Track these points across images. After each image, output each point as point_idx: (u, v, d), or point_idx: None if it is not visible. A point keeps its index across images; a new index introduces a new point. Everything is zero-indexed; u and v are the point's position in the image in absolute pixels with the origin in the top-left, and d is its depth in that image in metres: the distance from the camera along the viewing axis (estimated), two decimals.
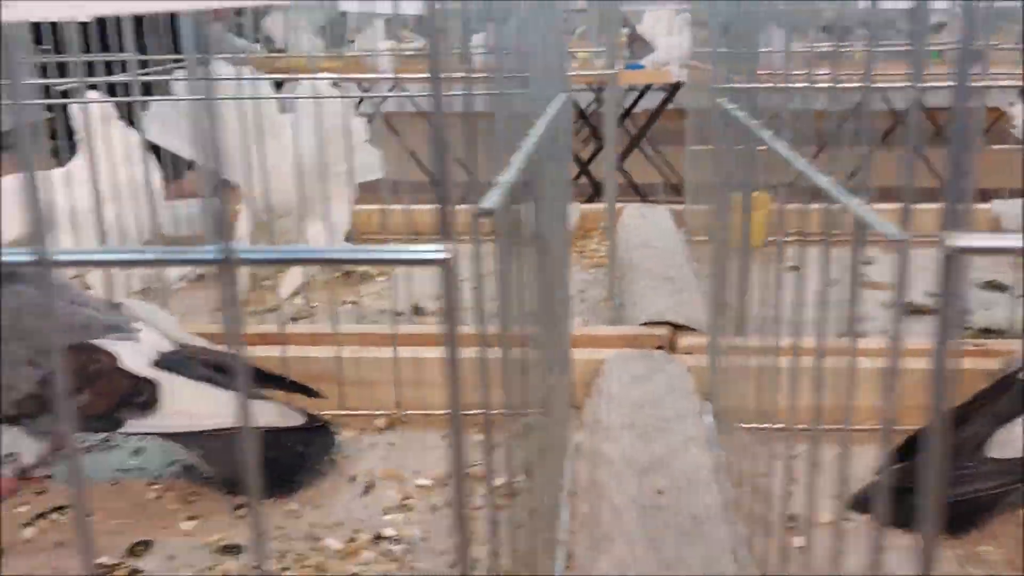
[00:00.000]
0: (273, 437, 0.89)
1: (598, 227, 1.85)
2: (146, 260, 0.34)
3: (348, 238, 1.61)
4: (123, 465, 0.95)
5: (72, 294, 0.93)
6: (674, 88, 3.25)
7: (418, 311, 1.40)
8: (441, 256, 0.31)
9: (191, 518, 0.84)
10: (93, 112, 1.42)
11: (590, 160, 3.49)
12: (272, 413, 0.89)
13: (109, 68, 1.46)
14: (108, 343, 0.87)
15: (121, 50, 1.39)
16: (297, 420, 0.90)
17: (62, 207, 1.41)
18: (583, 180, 3.45)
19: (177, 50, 1.61)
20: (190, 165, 1.59)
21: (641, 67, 2.94)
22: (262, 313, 1.41)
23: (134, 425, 0.86)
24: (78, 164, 1.59)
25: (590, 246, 1.77)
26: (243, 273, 1.50)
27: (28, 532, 0.82)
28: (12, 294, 0.88)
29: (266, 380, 0.94)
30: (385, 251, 0.33)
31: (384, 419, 1.02)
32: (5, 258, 0.33)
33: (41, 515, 0.85)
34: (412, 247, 0.33)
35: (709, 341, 0.98)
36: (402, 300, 1.40)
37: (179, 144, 1.51)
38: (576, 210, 1.80)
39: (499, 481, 0.86)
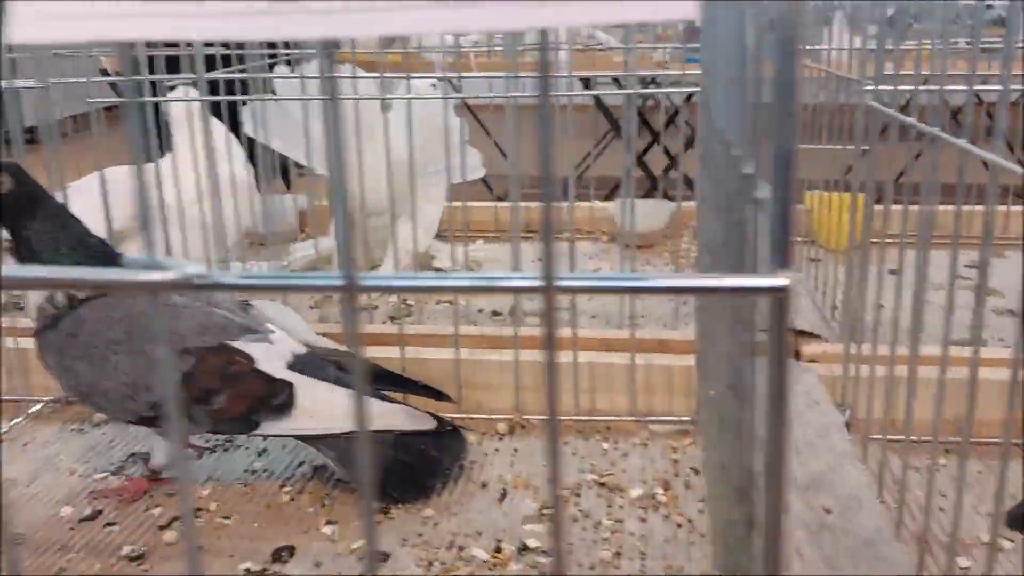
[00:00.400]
0: (405, 441, 0.87)
1: (688, 226, 1.82)
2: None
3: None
4: (250, 467, 0.94)
5: (205, 295, 0.93)
6: None
7: (515, 312, 1.38)
8: (781, 285, 0.29)
9: (330, 522, 0.83)
10: (187, 108, 1.42)
11: (644, 152, 3.46)
12: (403, 417, 0.88)
13: (210, 62, 1.46)
14: (245, 345, 0.86)
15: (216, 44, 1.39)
16: (428, 424, 0.88)
17: (158, 202, 1.41)
18: (640, 174, 3.41)
19: (271, 44, 1.60)
20: (284, 161, 1.59)
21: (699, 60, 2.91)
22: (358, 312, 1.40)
23: (269, 427, 0.86)
24: (171, 159, 1.60)
25: (682, 245, 1.74)
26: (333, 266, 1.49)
27: (168, 536, 0.82)
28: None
29: (394, 383, 0.93)
30: (707, 281, 0.31)
31: (504, 424, 1.01)
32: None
33: (177, 518, 0.84)
34: (741, 278, 0.30)
35: (843, 350, 0.95)
36: (499, 300, 1.39)
37: (279, 141, 1.50)
38: (668, 208, 1.77)
39: (636, 492, 0.84)
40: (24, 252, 0.86)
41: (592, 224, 1.85)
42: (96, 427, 1.04)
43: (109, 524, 0.84)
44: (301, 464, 0.94)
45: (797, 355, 1.06)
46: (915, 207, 0.74)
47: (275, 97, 1.40)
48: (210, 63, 1.44)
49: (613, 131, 3.43)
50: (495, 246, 1.76)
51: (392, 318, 1.37)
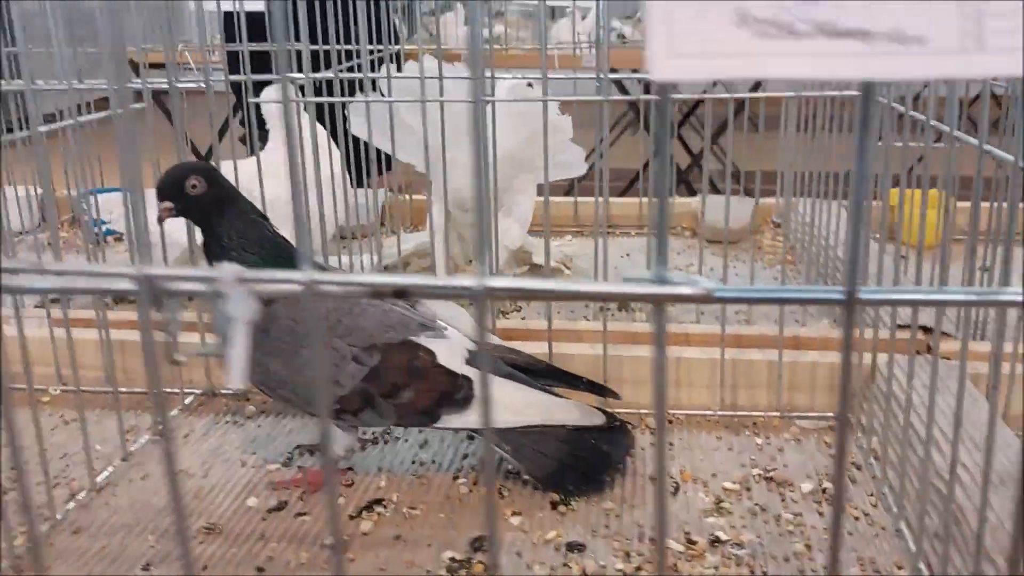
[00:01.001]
0: (578, 436, 0.90)
1: (768, 221, 1.85)
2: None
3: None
4: (416, 458, 0.96)
5: None
6: None
7: (624, 307, 1.40)
8: None
9: (516, 513, 0.86)
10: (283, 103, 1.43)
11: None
12: (576, 412, 0.90)
13: (316, 59, 1.47)
14: (426, 341, 0.88)
15: (324, 41, 1.40)
16: (598, 419, 0.91)
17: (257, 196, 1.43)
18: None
19: (379, 40, 1.62)
20: (388, 159, 1.60)
21: None
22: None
23: (449, 420, 0.88)
24: (269, 154, 1.62)
25: (764, 241, 1.77)
26: (440, 261, 1.51)
27: (365, 525, 0.84)
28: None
29: (558, 378, 0.95)
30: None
31: (653, 418, 1.03)
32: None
33: (367, 508, 0.87)
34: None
35: (993, 349, 0.97)
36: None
37: (380, 139, 1.52)
38: (750, 205, 1.79)
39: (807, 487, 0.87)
40: (215, 249, 0.88)
41: (674, 219, 1.87)
42: (249, 419, 1.06)
43: (300, 514, 0.87)
44: (466, 456, 0.97)
45: (928, 350, 1.09)
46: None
47: (365, 99, 1.41)
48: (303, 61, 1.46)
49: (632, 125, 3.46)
50: (580, 241, 1.79)
51: (501, 312, 1.39)
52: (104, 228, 1.79)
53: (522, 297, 0.35)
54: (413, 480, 0.92)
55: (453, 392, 0.87)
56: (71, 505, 0.88)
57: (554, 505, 0.87)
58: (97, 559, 0.80)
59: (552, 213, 1.82)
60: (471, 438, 1.00)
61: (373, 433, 1.01)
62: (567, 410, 0.90)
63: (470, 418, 0.88)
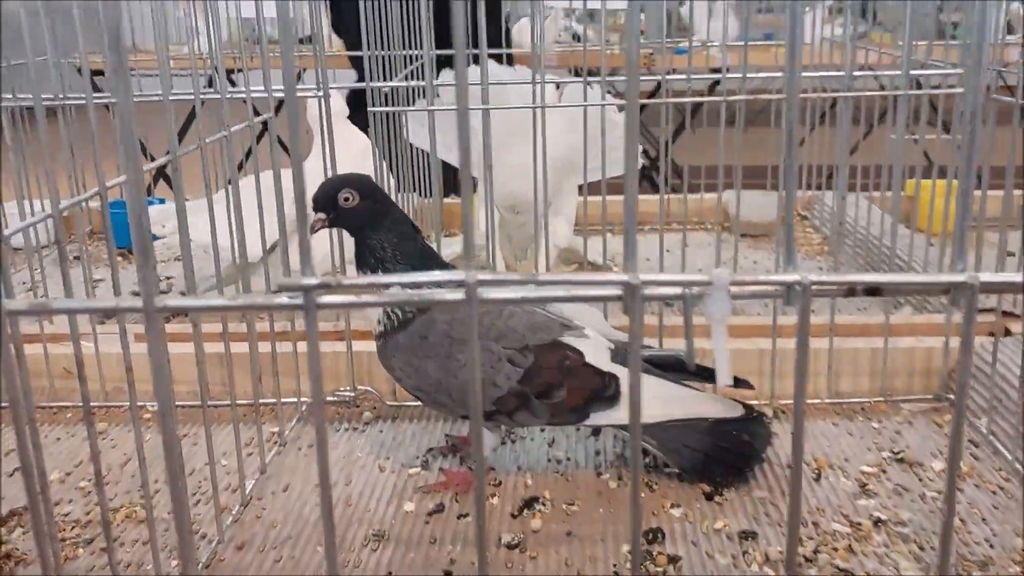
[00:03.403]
0: (719, 428, 0.93)
1: (798, 215, 1.90)
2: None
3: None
4: (551, 456, 0.98)
5: None
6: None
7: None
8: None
9: (675, 505, 0.88)
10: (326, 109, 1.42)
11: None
12: (717, 404, 0.93)
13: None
14: (573, 340, 0.90)
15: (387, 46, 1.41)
16: (738, 411, 0.94)
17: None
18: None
19: (441, 45, 1.60)
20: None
21: (686, 51, 3.02)
22: None
23: (598, 418, 0.90)
24: (310, 162, 1.61)
25: (796, 234, 1.82)
26: (499, 263, 1.52)
27: (534, 523, 0.86)
28: None
29: (696, 373, 0.97)
30: None
31: (769, 408, 1.07)
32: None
33: (526, 506, 0.89)
34: None
35: None
36: None
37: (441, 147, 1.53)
38: (775, 199, 1.84)
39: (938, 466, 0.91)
40: (368, 260, 0.89)
41: (703, 215, 1.91)
42: (368, 425, 1.07)
43: (461, 516, 0.88)
44: (598, 453, 0.99)
45: (1007, 332, 1.14)
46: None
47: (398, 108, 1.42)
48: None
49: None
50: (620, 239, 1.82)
51: None
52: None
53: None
54: (557, 478, 0.94)
55: (602, 390, 0.90)
56: (228, 521, 0.88)
57: (708, 496, 0.90)
58: (279, 573, 0.81)
59: (594, 211, 1.85)
60: (595, 433, 1.02)
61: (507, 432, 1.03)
62: (708, 402, 0.93)
63: (618, 414, 0.90)
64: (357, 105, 1.64)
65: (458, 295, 0.39)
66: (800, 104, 1.18)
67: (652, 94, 3.26)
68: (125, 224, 1.68)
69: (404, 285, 0.39)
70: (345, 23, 2.55)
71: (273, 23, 2.35)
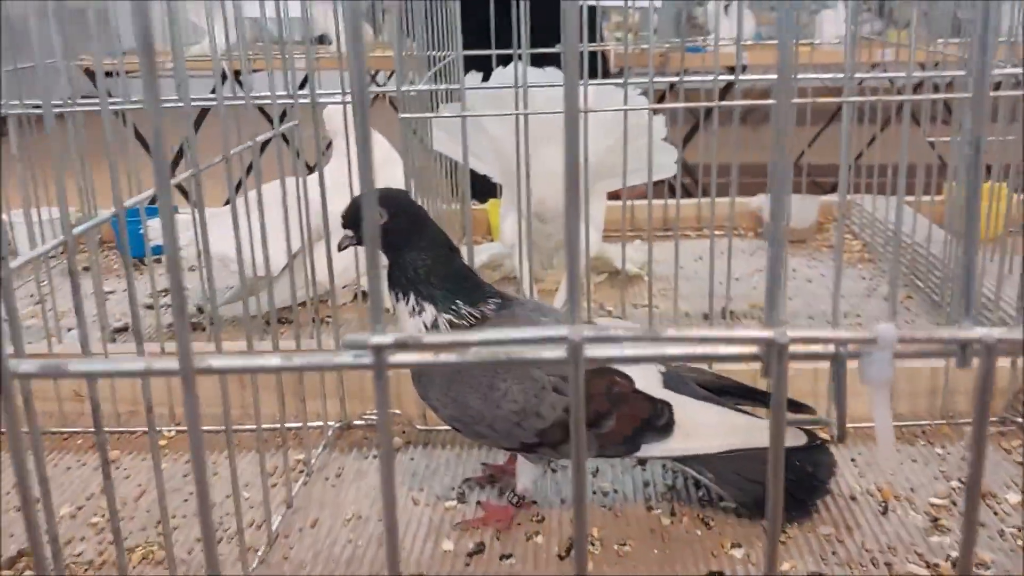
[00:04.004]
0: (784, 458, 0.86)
1: (833, 219, 1.84)
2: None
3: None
4: (597, 488, 0.92)
5: (547, 309, 0.90)
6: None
7: (728, 314, 1.37)
8: None
9: (735, 545, 0.82)
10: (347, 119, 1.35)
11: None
12: None
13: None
14: (619, 365, 0.84)
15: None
16: (801, 439, 0.87)
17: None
18: None
19: (468, 46, 1.53)
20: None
21: (700, 50, 2.95)
22: None
23: (650, 449, 0.84)
24: (332, 167, 1.55)
25: (832, 241, 1.75)
26: (525, 273, 1.46)
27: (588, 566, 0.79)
28: (510, 317, 0.85)
29: (745, 395, 0.91)
30: None
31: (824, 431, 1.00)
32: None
33: (571, 548, 0.82)
34: None
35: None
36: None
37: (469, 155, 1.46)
38: (816, 203, 1.78)
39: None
40: (400, 281, 0.83)
41: (734, 220, 1.84)
42: (398, 452, 1.01)
43: (504, 556, 0.82)
44: (647, 484, 0.93)
45: None
46: None
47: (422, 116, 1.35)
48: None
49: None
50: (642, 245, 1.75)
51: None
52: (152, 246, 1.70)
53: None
54: (605, 512, 0.88)
55: (654, 418, 0.83)
56: (255, 564, 0.82)
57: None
58: None
59: (638, 216, 1.78)
60: (642, 463, 0.96)
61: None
62: (767, 431, 0.87)
63: (672, 445, 0.84)
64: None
65: (559, 353, 0.33)
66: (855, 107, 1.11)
67: (662, 97, 3.19)
68: (139, 235, 1.62)
69: (495, 342, 0.33)
70: None
71: (284, 23, 2.28)
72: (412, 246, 0.82)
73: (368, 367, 0.32)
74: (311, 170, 1.34)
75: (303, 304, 1.28)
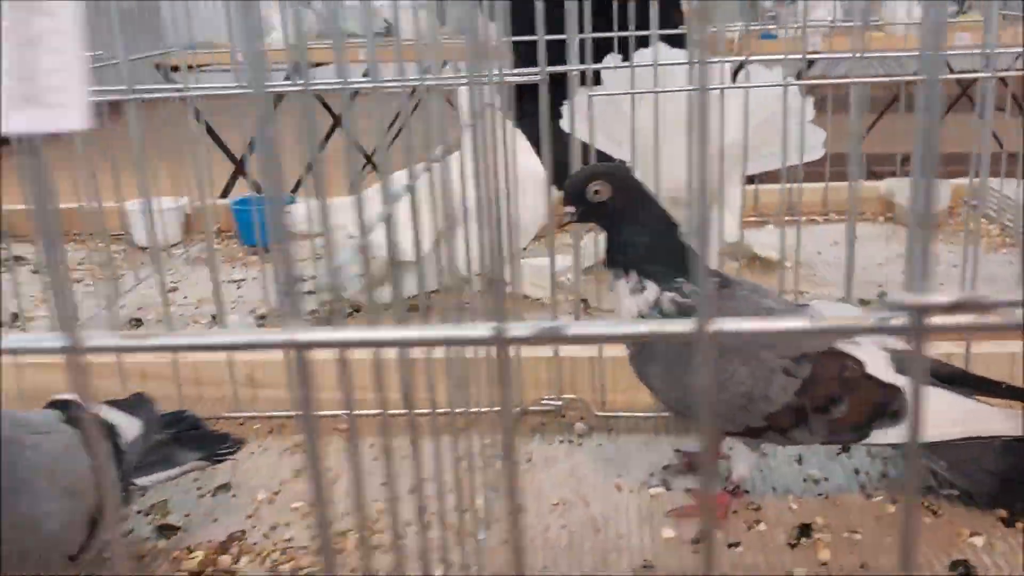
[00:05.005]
0: (1013, 446, 0.82)
1: (963, 203, 1.78)
2: None
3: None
4: (805, 476, 0.89)
5: (764, 290, 0.87)
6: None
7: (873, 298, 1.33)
8: None
9: (973, 534, 0.78)
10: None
11: None
12: (1014, 421, 0.82)
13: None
14: (851, 348, 0.81)
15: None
16: None
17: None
18: None
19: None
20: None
21: (773, 37, 2.88)
22: None
23: (880, 435, 0.80)
24: (462, 154, 1.53)
25: (970, 225, 1.70)
26: None
27: (823, 554, 0.76)
28: (731, 297, 0.82)
29: (974, 384, 0.86)
30: None
31: None
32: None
33: (803, 534, 0.79)
34: None
35: None
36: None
37: (601, 137, 1.43)
38: (947, 187, 1.72)
39: None
40: (617, 258, 0.80)
41: (857, 204, 1.79)
42: (582, 437, 0.98)
43: (732, 545, 0.79)
44: (858, 471, 0.89)
45: None
46: None
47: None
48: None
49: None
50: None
51: None
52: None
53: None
54: (822, 501, 0.85)
55: (886, 404, 0.80)
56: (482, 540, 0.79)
57: (1006, 523, 0.80)
58: None
59: (763, 200, 1.74)
60: (845, 450, 0.92)
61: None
62: (1005, 419, 0.82)
63: (903, 432, 0.80)
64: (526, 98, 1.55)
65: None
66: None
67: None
68: (252, 223, 1.61)
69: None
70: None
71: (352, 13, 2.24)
72: (633, 222, 0.79)
73: (902, 331, 0.29)
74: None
75: (436, 292, 1.26)
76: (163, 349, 0.32)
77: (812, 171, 1.59)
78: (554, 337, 0.31)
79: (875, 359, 0.81)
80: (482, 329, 0.29)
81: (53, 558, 0.61)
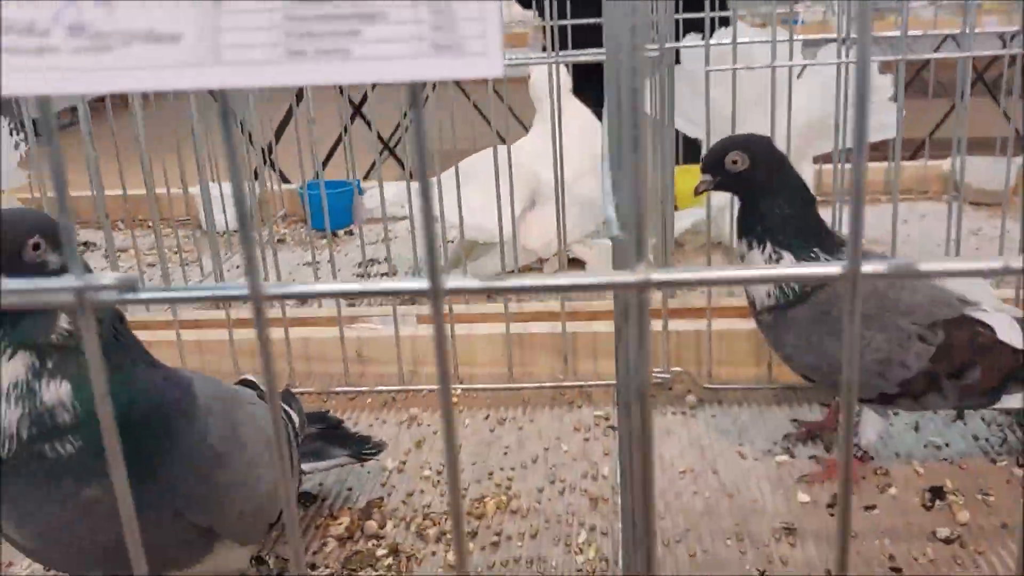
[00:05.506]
0: None
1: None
2: None
3: None
4: (925, 441, 0.90)
5: None
6: None
7: None
8: None
9: None
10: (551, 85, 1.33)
11: None
12: None
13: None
14: (981, 315, 0.82)
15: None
16: None
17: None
18: None
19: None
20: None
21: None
22: None
23: (1010, 400, 0.82)
24: (536, 132, 1.54)
25: None
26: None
27: (962, 515, 0.78)
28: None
29: None
30: None
31: None
32: None
33: (937, 497, 0.81)
34: None
35: None
36: None
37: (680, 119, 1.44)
38: (1015, 164, 1.73)
39: None
40: (751, 227, 0.82)
41: (923, 183, 1.81)
42: (693, 409, 1.00)
43: (868, 508, 0.80)
44: (976, 437, 0.90)
45: None
46: None
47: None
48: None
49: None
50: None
51: None
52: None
53: None
54: (947, 465, 0.86)
55: (1018, 369, 0.81)
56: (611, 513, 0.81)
57: None
58: (708, 569, 0.74)
59: (827, 180, 1.75)
60: (960, 416, 0.94)
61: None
62: None
63: None
64: (582, 79, 1.56)
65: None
66: None
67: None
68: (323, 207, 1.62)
69: None
70: None
71: None
72: (771, 193, 0.81)
73: None
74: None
75: (512, 272, 1.28)
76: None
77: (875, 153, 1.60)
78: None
79: (1005, 325, 0.83)
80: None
81: (260, 522, 0.62)
